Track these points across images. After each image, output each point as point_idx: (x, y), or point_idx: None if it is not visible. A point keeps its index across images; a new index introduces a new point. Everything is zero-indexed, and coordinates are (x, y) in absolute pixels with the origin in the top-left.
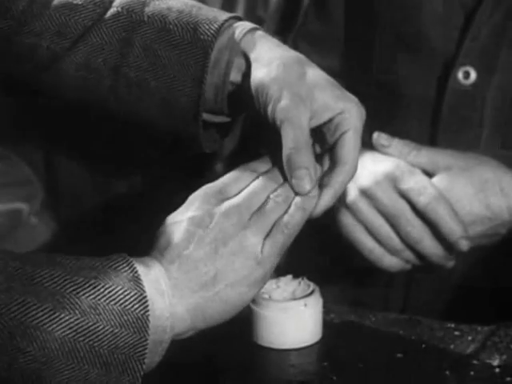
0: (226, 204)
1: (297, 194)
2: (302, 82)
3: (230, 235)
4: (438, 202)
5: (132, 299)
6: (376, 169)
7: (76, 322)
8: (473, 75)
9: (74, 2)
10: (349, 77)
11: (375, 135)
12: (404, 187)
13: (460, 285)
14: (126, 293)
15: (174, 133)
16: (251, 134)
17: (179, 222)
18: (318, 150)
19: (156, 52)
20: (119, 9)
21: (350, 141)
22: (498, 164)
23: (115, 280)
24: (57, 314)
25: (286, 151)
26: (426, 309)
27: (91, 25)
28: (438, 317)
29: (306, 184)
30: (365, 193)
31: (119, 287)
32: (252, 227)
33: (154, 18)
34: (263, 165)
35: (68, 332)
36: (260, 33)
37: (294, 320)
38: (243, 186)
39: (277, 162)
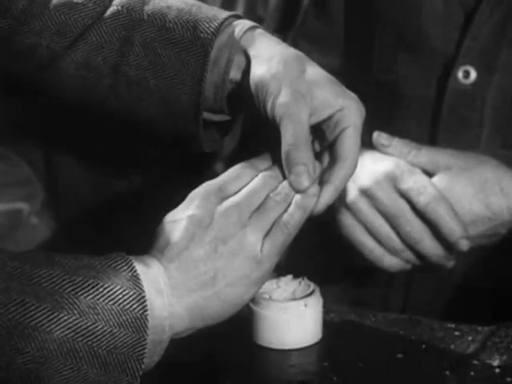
0: (226, 203)
1: (297, 191)
2: (302, 79)
3: (229, 234)
4: (437, 201)
5: (131, 299)
6: (376, 168)
7: (74, 323)
8: (473, 75)
9: (74, 1)
10: (349, 76)
11: (375, 135)
12: (404, 187)
13: (460, 285)
14: (124, 292)
15: (174, 132)
16: (251, 133)
17: (179, 220)
18: (318, 147)
19: (156, 50)
20: (119, 7)
21: (350, 137)
22: (498, 164)
23: (114, 279)
24: (55, 314)
25: (284, 147)
26: (426, 309)
27: (91, 23)
28: (438, 317)
29: (305, 180)
30: (365, 193)
31: (118, 287)
32: (252, 226)
33: (154, 17)
34: (263, 162)
35: (66, 332)
36: (260, 31)
37: (295, 320)
38: (243, 184)
39: (276, 159)
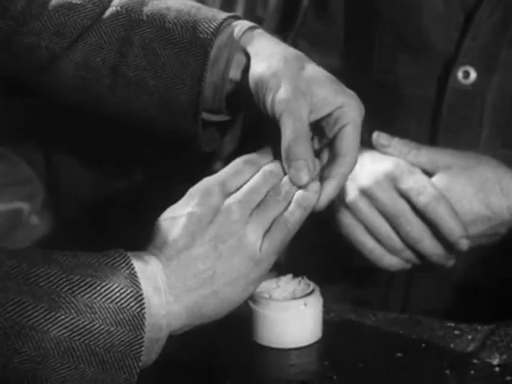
0: (227, 201)
1: (299, 187)
2: (302, 76)
3: (229, 233)
4: (437, 201)
5: (128, 297)
6: (376, 168)
7: (72, 322)
8: (473, 75)
9: (73, 2)
10: (349, 76)
11: (375, 135)
12: (404, 187)
13: (460, 284)
14: (122, 291)
15: (173, 131)
16: (251, 133)
17: (178, 217)
18: (317, 145)
19: (155, 51)
20: (118, 8)
21: (350, 134)
22: (498, 163)
23: (111, 278)
24: (52, 313)
25: (285, 143)
26: (426, 308)
27: (90, 24)
28: (438, 316)
29: (304, 175)
30: (365, 192)
31: (115, 285)
32: (252, 224)
33: (153, 17)
34: (264, 157)
35: (64, 331)
36: (259, 31)
37: (294, 319)
38: (244, 181)
39: (277, 155)
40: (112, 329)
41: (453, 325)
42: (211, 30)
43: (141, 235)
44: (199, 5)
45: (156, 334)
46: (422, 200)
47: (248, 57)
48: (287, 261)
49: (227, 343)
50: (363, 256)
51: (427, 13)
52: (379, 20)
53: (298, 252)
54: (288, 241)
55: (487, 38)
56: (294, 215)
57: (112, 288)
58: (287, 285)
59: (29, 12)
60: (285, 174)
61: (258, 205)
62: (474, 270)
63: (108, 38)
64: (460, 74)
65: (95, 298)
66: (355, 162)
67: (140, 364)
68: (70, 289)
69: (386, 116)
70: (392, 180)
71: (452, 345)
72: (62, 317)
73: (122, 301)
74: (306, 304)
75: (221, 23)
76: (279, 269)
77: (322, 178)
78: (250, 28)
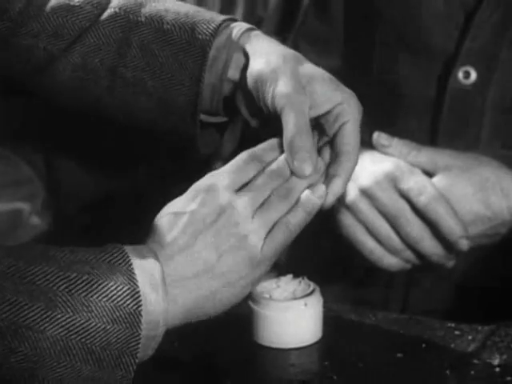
0: (231, 200)
1: (300, 177)
2: (301, 73)
3: (231, 233)
4: (437, 201)
5: (125, 294)
6: (376, 169)
7: (68, 321)
8: (473, 75)
9: (71, 4)
10: (349, 76)
11: (375, 135)
12: (404, 187)
13: (460, 284)
14: (118, 288)
15: (172, 132)
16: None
17: (181, 214)
18: (317, 143)
19: (153, 52)
20: (116, 10)
21: (351, 131)
22: (499, 165)
23: (108, 275)
24: (49, 312)
25: (287, 136)
26: (426, 308)
27: (88, 26)
28: (438, 316)
29: (307, 167)
30: (365, 193)
31: (112, 283)
32: (254, 225)
33: (152, 19)
34: (267, 151)
35: (60, 330)
36: (257, 32)
37: (295, 319)
38: (248, 178)
39: (280, 149)
40: (108, 327)
41: (453, 325)
42: (210, 31)
43: (141, 235)
44: (197, 7)
45: (153, 330)
46: (422, 200)
47: (246, 56)
48: (287, 261)
49: (227, 343)
50: (363, 256)
51: (427, 13)
52: (379, 20)
53: (299, 252)
54: (289, 243)
55: (487, 38)
56: (297, 218)
57: (109, 286)
58: (287, 285)
59: (27, 13)
60: (289, 174)
61: (262, 204)
62: (474, 270)
63: (106, 40)
64: (460, 74)
65: (92, 297)
66: (357, 159)
67: (137, 361)
68: (66, 287)
69: (386, 116)
70: (392, 180)
71: (452, 345)
72: (59, 316)
73: (119, 298)
74: (306, 304)
75: (219, 25)
76: (279, 269)
77: (327, 175)
78: (249, 29)
